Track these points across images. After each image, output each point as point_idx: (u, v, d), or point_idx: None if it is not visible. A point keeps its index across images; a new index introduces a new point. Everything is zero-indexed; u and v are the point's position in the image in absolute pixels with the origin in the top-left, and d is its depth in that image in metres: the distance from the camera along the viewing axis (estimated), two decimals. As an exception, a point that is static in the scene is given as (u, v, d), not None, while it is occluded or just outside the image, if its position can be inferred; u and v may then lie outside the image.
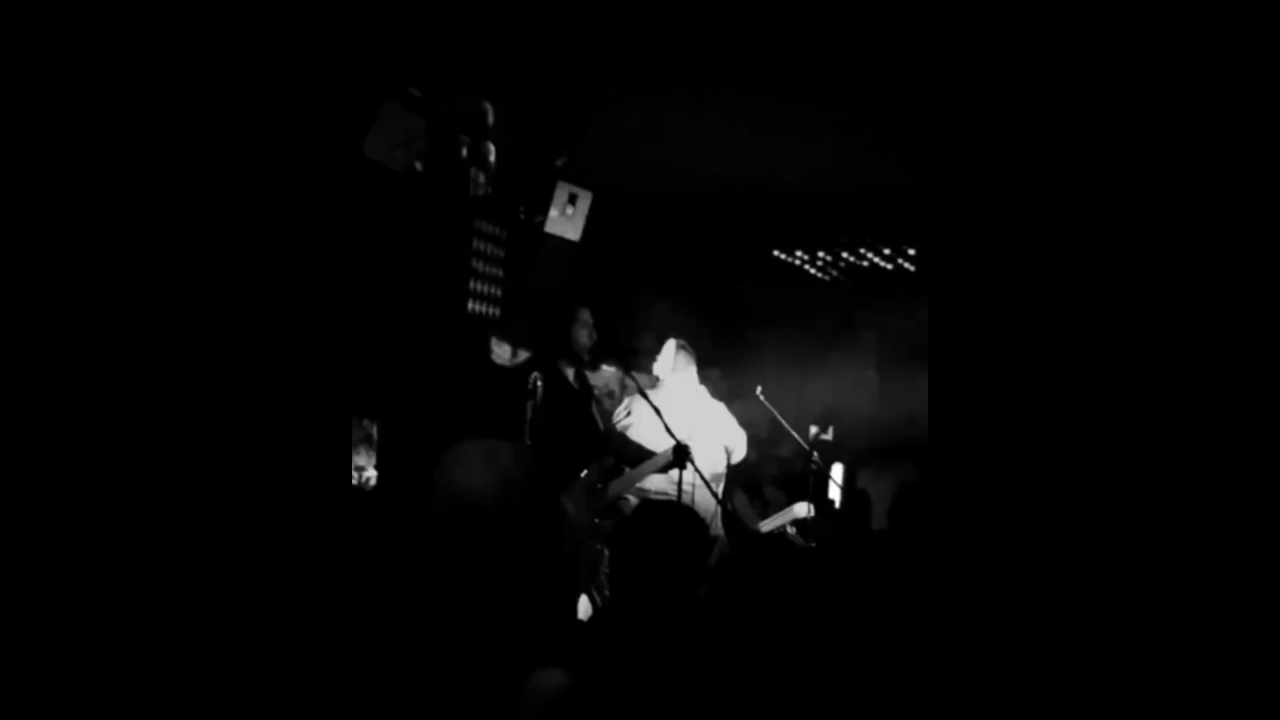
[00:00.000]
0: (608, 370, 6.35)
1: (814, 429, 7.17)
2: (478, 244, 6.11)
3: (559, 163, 5.85)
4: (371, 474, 5.11)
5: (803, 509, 5.38)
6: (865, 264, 7.45)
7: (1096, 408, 1.60)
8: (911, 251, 7.00)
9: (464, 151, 5.15)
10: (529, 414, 4.11)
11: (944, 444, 1.72)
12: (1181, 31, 1.56)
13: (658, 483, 4.61)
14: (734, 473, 5.24)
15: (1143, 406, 1.56)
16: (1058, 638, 1.56)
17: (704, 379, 5.18)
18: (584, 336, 4.53)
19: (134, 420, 2.33)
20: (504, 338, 6.31)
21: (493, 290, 6.29)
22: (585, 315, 4.57)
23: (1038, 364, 1.65)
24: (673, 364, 5.04)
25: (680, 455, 4.28)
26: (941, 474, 1.71)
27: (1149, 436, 1.56)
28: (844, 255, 7.49)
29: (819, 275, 7.87)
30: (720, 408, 5.04)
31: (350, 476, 4.49)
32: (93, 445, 2.24)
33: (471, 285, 6.10)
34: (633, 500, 4.64)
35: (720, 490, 4.82)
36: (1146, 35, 1.59)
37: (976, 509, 1.65)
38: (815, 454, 5.46)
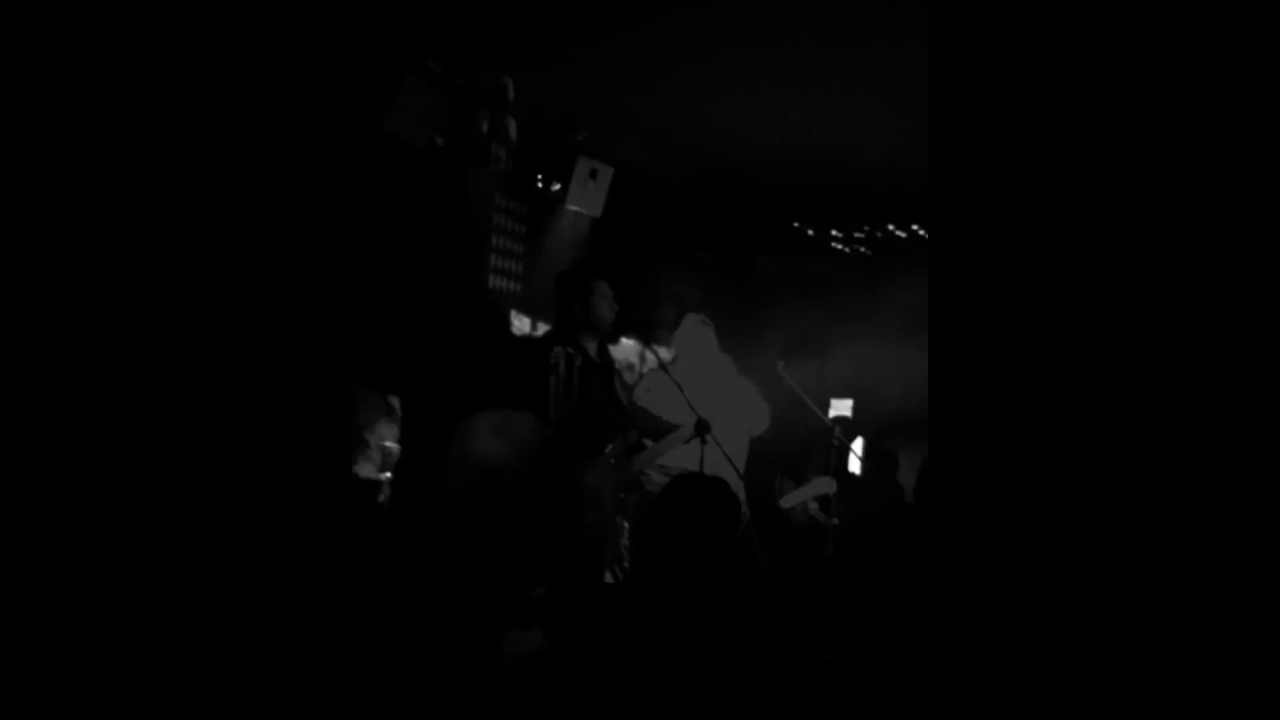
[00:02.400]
0: (627, 343, 6.33)
1: (835, 405, 7.13)
2: (498, 219, 6.12)
3: (580, 137, 5.84)
4: (395, 447, 5.15)
5: (826, 484, 5.37)
6: (883, 236, 7.39)
7: (1105, 395, 1.56)
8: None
9: (485, 127, 5.14)
10: (551, 389, 4.10)
11: (947, 427, 1.67)
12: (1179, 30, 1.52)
13: (679, 458, 4.61)
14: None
15: (1152, 392, 1.52)
16: (1071, 627, 1.54)
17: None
18: (605, 309, 4.48)
19: (133, 408, 2.32)
20: (524, 311, 6.33)
21: (513, 265, 6.31)
22: (604, 288, 4.52)
23: (1044, 350, 1.61)
24: (692, 337, 5.02)
25: (701, 430, 4.30)
26: (945, 456, 1.68)
27: (1159, 423, 1.52)
28: (865, 227, 7.44)
29: (840, 248, 7.82)
30: (743, 381, 5.02)
31: (349, 463, 4.50)
32: (90, 436, 2.23)
33: (492, 260, 6.13)
34: (654, 475, 4.64)
35: (742, 465, 4.81)
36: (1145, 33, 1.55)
37: (982, 491, 1.62)
38: (837, 429, 5.44)
